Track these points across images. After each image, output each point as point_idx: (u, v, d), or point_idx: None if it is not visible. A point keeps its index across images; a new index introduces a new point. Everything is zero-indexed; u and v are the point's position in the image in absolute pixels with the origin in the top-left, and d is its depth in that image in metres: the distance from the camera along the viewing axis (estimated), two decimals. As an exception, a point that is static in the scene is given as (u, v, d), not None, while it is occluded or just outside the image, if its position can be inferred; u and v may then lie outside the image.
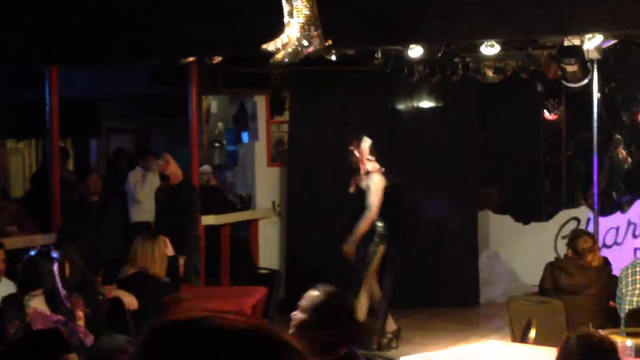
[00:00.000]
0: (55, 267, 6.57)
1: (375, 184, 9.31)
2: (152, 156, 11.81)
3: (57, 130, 10.31)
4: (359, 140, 9.44)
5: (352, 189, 9.51)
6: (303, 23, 6.93)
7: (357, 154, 9.39)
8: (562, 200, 15.19)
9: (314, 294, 4.33)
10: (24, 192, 13.19)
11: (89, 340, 6.45)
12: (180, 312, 1.28)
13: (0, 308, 6.71)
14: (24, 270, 6.66)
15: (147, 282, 8.20)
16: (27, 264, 6.66)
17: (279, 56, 6.98)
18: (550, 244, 12.59)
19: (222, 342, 1.19)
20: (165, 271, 8.39)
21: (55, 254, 6.66)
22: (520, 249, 12.83)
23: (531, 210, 13.95)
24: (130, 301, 7.83)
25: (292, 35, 6.92)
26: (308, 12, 6.90)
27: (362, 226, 9.30)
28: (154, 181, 11.47)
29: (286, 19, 6.98)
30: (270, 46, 6.98)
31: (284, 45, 6.95)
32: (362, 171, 9.37)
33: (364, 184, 9.37)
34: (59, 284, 6.57)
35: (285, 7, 6.99)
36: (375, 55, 10.61)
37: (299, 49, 6.96)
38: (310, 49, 7.04)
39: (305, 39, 6.96)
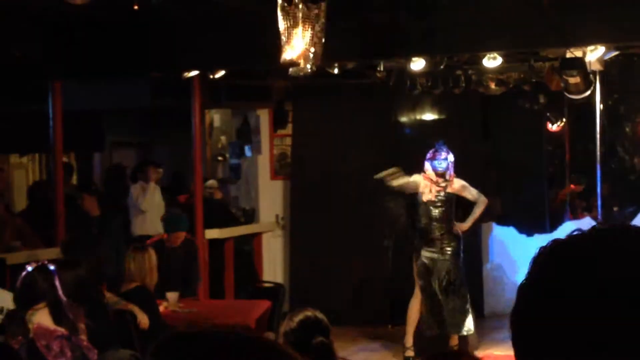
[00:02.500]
0: (56, 280, 6.58)
1: (465, 183, 9.92)
2: (151, 167, 11.81)
3: (60, 145, 10.32)
4: (448, 151, 9.78)
5: (433, 197, 9.80)
6: (313, 35, 6.96)
7: (451, 159, 9.77)
8: (566, 212, 15.16)
9: (283, 325, 4.40)
10: (23, 208, 13.15)
11: (93, 355, 6.45)
12: (186, 326, 1.28)
13: (1, 324, 6.72)
14: (23, 286, 6.65)
15: (148, 295, 8.21)
16: (26, 280, 6.65)
17: (300, 66, 7.01)
18: (554, 255, 12.56)
19: (231, 355, 1.19)
20: (156, 277, 8.41)
21: (53, 267, 6.67)
22: (524, 261, 12.78)
23: (535, 221, 13.92)
24: (142, 319, 7.81)
25: (304, 46, 6.95)
26: (318, 25, 6.94)
27: (480, 211, 9.96)
28: (155, 191, 11.50)
29: (284, 30, 7.00)
30: (288, 56, 7.00)
31: (300, 56, 6.98)
32: (451, 176, 9.81)
33: (454, 187, 9.83)
34: (61, 296, 6.57)
35: (282, 20, 7.00)
36: (378, 68, 10.63)
37: (310, 62, 7.01)
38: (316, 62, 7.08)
39: (312, 51, 7.00)
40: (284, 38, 7.04)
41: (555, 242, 1.29)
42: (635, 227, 1.28)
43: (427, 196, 9.77)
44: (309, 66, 7.04)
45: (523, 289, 1.28)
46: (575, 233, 1.29)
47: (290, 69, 7.22)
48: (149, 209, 11.25)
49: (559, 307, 1.21)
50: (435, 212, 9.78)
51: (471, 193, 9.97)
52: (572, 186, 15.28)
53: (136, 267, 8.23)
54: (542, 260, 1.28)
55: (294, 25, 6.97)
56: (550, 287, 1.24)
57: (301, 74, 7.21)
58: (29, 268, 6.69)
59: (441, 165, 9.72)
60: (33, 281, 6.60)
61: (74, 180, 15.12)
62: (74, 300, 6.85)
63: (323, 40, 7.08)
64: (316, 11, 6.95)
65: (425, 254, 9.76)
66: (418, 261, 9.79)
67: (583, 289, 1.20)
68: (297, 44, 7.00)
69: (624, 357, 1.17)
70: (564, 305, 1.21)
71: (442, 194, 9.77)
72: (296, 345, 4.35)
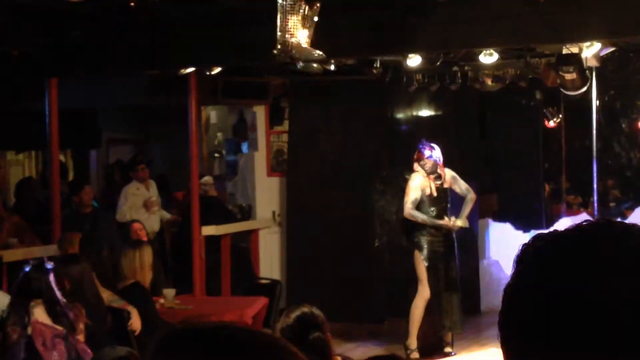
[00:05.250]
0: (51, 278, 6.58)
1: (455, 174, 9.95)
2: (142, 166, 11.79)
3: (56, 142, 10.32)
4: (431, 146, 9.73)
5: (434, 192, 9.76)
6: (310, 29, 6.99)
7: (436, 156, 9.71)
8: (563, 208, 15.19)
9: (279, 322, 4.41)
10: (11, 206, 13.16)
11: (87, 356, 6.45)
12: (183, 323, 1.28)
13: (3, 314, 6.72)
14: (19, 287, 6.66)
15: (143, 292, 8.21)
16: (22, 281, 6.66)
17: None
18: (550, 251, 12.56)
19: (235, 351, 1.19)
20: (151, 274, 8.40)
21: (49, 266, 6.66)
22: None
23: (531, 217, 13.94)
24: (135, 322, 7.80)
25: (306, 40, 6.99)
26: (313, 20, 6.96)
27: (469, 209, 9.99)
28: (141, 192, 11.48)
29: (288, 25, 7.01)
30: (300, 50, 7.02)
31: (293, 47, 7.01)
32: (442, 171, 9.80)
33: (447, 179, 9.86)
34: (58, 294, 6.57)
35: (285, 15, 7.02)
36: (374, 65, 10.62)
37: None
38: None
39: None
40: (289, 34, 7.04)
41: (537, 241, 1.28)
42: (620, 223, 1.27)
43: (427, 192, 9.78)
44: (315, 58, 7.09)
45: (508, 290, 1.27)
46: (556, 230, 1.28)
47: (301, 63, 7.24)
48: (131, 216, 11.24)
49: (544, 308, 1.20)
50: (435, 208, 9.77)
51: (460, 187, 9.96)
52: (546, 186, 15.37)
53: (127, 265, 8.22)
54: (525, 260, 1.27)
55: (302, 20, 6.99)
56: (535, 287, 1.23)
57: (300, 66, 7.21)
58: (26, 269, 6.70)
59: (426, 164, 9.70)
60: (28, 281, 6.61)
61: (70, 176, 15.13)
62: (76, 297, 6.85)
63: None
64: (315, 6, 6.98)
65: (429, 250, 9.74)
66: (423, 257, 9.74)
67: (567, 288, 1.19)
68: (302, 38, 7.03)
69: (614, 358, 1.17)
70: (549, 307, 1.20)
71: (440, 190, 9.77)
72: (293, 341, 4.35)
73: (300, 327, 4.51)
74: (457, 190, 9.94)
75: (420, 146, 9.75)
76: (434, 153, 9.69)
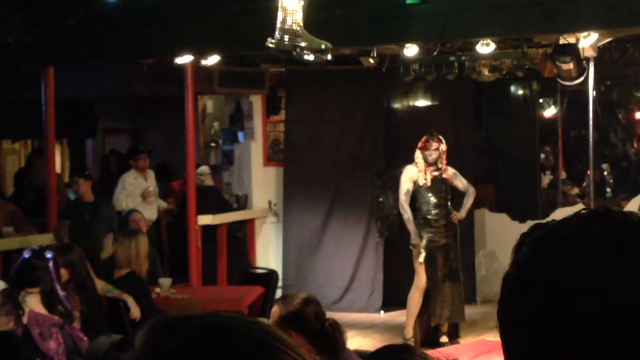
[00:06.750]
0: (51, 266, 6.56)
1: (456, 171, 9.99)
2: (143, 155, 11.76)
3: (52, 131, 10.30)
4: (439, 139, 9.68)
5: (429, 182, 9.71)
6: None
7: (442, 149, 9.68)
8: (559, 198, 15.20)
9: (273, 309, 4.40)
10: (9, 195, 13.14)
11: (84, 344, 6.45)
12: (178, 311, 1.27)
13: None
14: (19, 272, 6.63)
15: (139, 282, 8.21)
16: (21, 266, 6.63)
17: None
18: (546, 242, 12.55)
19: (224, 339, 1.18)
20: (146, 264, 8.40)
21: (49, 254, 6.65)
22: (517, 248, 12.78)
23: (527, 208, 13.94)
24: (135, 311, 7.81)
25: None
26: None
27: (471, 202, 10.05)
28: (139, 182, 11.45)
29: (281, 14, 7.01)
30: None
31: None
32: (443, 165, 9.79)
33: (448, 173, 9.87)
34: (57, 284, 6.56)
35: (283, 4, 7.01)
36: (371, 55, 10.61)
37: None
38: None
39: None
40: (292, 21, 7.04)
41: (536, 230, 1.28)
42: (618, 211, 1.26)
43: (422, 181, 9.73)
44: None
45: (507, 279, 1.27)
46: (555, 219, 1.27)
47: (301, 51, 7.23)
48: (129, 205, 11.20)
49: (544, 297, 1.20)
50: (434, 198, 9.73)
51: (462, 182, 9.97)
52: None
53: (123, 254, 8.21)
54: (524, 249, 1.26)
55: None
56: (534, 276, 1.22)
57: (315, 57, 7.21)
58: (25, 254, 6.67)
59: (432, 155, 9.67)
60: (28, 267, 6.59)
61: (67, 166, 15.11)
62: (71, 285, 6.85)
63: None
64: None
65: (428, 240, 9.71)
66: (422, 248, 9.70)
67: (566, 277, 1.19)
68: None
69: (616, 350, 1.16)
70: (548, 295, 1.19)
71: (438, 180, 9.75)
72: (296, 325, 4.34)
73: (305, 314, 4.48)
74: (460, 186, 9.91)
75: (430, 135, 9.73)
76: (441, 146, 9.68)
